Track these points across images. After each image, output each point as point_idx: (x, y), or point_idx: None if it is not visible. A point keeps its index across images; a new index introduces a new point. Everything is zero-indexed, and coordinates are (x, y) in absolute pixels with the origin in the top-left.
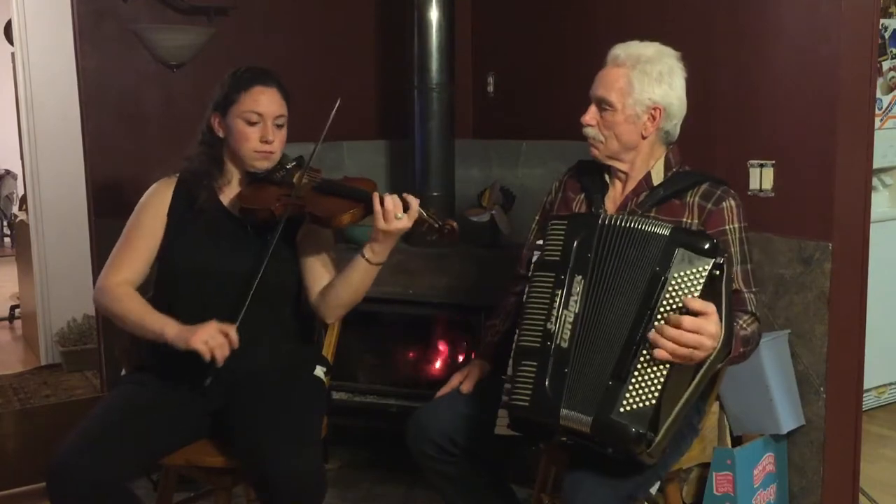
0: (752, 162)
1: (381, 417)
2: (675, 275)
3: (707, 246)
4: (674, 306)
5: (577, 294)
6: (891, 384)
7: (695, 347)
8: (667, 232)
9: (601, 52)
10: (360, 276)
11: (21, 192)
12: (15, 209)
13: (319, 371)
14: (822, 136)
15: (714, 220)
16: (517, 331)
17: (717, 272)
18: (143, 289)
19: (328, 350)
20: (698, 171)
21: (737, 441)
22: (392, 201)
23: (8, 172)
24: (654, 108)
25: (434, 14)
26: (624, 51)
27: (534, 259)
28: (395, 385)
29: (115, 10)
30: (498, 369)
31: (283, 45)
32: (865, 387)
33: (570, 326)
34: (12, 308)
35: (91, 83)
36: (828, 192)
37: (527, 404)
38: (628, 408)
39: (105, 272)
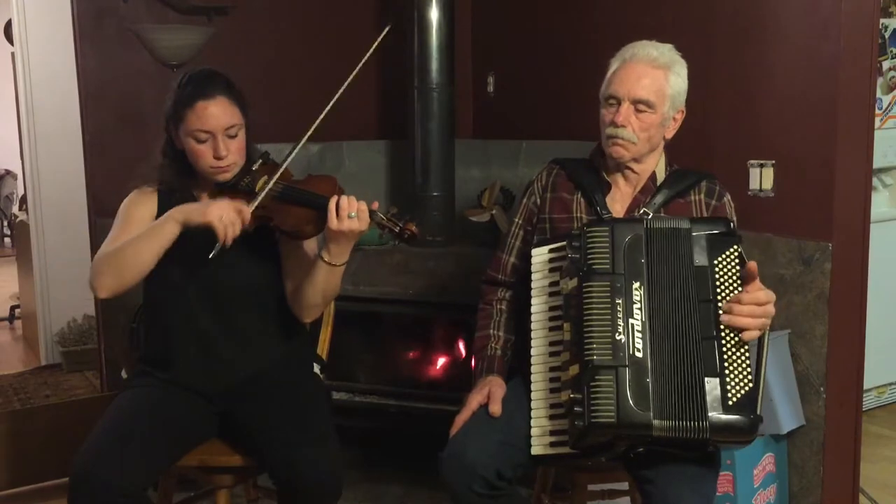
0: (752, 162)
1: (381, 417)
2: (716, 262)
3: (727, 228)
4: (728, 290)
5: (640, 301)
6: (891, 384)
7: (764, 315)
8: (687, 225)
9: (601, 51)
10: (323, 277)
11: (21, 192)
12: (15, 209)
13: (315, 368)
14: (822, 135)
15: (718, 214)
16: (583, 345)
17: (741, 248)
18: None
19: (322, 348)
20: (686, 168)
21: None
22: (346, 201)
23: (8, 172)
24: (680, 111)
25: (434, 14)
26: (659, 51)
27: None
28: (395, 385)
29: (115, 9)
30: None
31: (282, 45)
32: (865, 387)
33: (640, 335)
34: (12, 308)
35: (91, 83)
36: (828, 192)
37: (614, 420)
38: (734, 399)
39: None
